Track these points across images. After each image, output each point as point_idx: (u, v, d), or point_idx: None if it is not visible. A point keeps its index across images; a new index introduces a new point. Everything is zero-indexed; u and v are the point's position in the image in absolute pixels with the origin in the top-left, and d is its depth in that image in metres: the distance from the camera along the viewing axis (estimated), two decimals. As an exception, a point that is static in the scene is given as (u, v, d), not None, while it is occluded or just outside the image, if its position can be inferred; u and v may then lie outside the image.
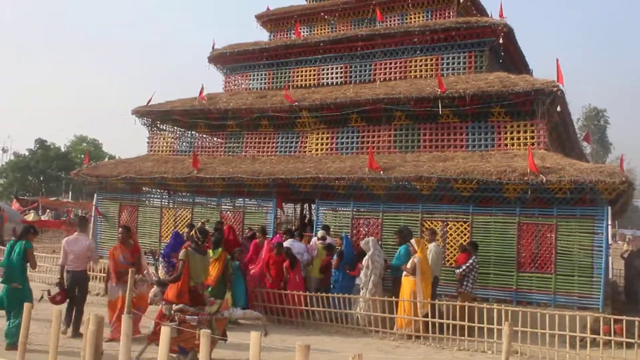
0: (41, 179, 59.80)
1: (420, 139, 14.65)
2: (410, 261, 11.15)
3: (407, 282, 11.23)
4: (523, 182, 11.82)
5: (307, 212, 21.96)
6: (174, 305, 8.17)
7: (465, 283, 11.68)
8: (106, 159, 57.96)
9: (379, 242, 12.96)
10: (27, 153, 60.24)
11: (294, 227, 18.07)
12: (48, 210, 35.93)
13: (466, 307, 10.58)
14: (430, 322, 10.63)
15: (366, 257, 11.92)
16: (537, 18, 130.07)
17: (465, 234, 12.84)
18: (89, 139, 70.16)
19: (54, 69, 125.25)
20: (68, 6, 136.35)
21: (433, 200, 13.36)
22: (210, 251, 10.81)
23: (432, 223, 13.26)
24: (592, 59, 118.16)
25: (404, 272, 11.32)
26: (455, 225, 13.04)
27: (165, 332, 2.95)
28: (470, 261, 11.66)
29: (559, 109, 13.31)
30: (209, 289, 10.37)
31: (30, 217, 32.19)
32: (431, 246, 11.81)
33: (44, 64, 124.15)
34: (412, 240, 11.44)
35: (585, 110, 68.56)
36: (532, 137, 13.46)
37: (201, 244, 8.79)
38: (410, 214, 13.50)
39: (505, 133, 13.80)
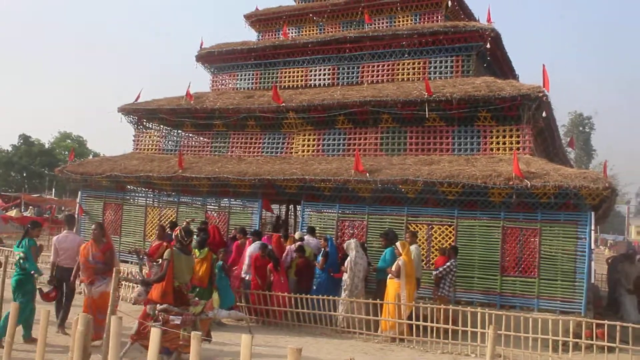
0: (24, 175, 59.27)
1: (407, 142, 14.71)
2: (395, 264, 11.19)
3: (392, 285, 11.27)
4: (508, 187, 11.90)
5: (282, 213, 21.95)
6: (158, 305, 8.12)
7: (442, 286, 11.83)
8: (90, 156, 57.68)
9: (364, 244, 13.00)
10: (10, 149, 59.66)
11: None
12: (31, 207, 35.54)
13: (442, 310, 10.62)
14: (414, 325, 10.67)
15: (348, 259, 11.96)
16: (527, 23, 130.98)
17: (450, 238, 12.89)
18: (73, 135, 69.72)
19: (40, 65, 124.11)
20: (56, 2, 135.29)
21: (418, 203, 13.39)
22: (196, 251, 10.77)
23: (417, 226, 13.31)
24: (580, 65, 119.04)
25: (389, 275, 11.34)
26: (440, 228, 13.09)
27: (155, 333, 2.94)
28: (448, 264, 11.80)
29: (544, 114, 13.41)
30: (197, 290, 10.35)
31: (13, 213, 31.85)
32: (412, 248, 11.86)
33: (30, 59, 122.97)
34: (397, 243, 11.48)
35: (571, 117, 69.25)
36: (518, 142, 13.55)
37: (186, 244, 8.77)
38: (395, 217, 13.54)
39: (491, 137, 13.88)
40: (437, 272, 11.84)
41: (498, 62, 17.04)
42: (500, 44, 16.12)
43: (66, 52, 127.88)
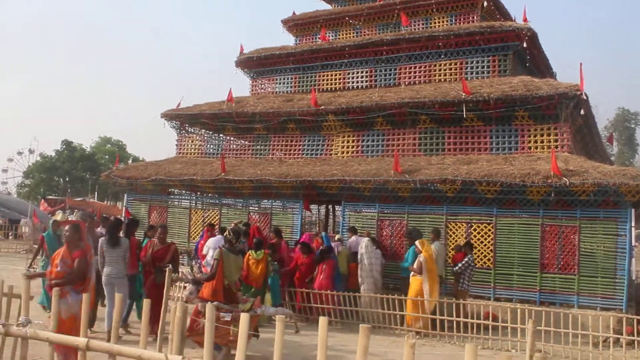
0: (67, 179, 60.82)
1: (445, 142, 14.92)
2: (417, 261, 11.54)
3: (414, 281, 11.65)
4: (546, 185, 12.03)
5: (322, 214, 22.29)
6: (208, 302, 8.53)
7: (461, 281, 12.15)
8: (130, 160, 58.98)
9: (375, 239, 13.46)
10: (53, 154, 61.32)
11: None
12: (75, 210, 36.62)
13: (463, 305, 10.85)
14: (445, 321, 10.94)
15: (358, 258, 12.51)
16: (567, 20, 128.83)
17: (489, 236, 13.08)
18: (113, 140, 71.27)
19: (81, 71, 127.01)
20: (97, 7, 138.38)
21: (457, 202, 13.62)
22: (252, 252, 11.25)
23: (456, 225, 13.52)
24: (624, 61, 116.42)
25: (411, 272, 11.71)
26: (479, 226, 13.28)
27: (244, 318, 3.33)
28: (466, 259, 12.11)
29: (582, 112, 13.49)
30: (253, 290, 10.79)
31: (59, 216, 32.87)
32: (434, 245, 12.22)
33: (72, 65, 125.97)
34: (417, 242, 11.81)
35: (618, 113, 68.33)
36: (556, 140, 13.65)
37: (235, 244, 9.19)
38: (434, 216, 13.77)
39: (529, 136, 14.01)
40: (457, 268, 12.21)
41: (535, 61, 17.10)
42: (537, 42, 16.18)
43: (104, 58, 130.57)
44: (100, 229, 11.31)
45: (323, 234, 13.53)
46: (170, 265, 9.00)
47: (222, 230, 13.17)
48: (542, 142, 13.85)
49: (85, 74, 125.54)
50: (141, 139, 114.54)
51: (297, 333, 9.95)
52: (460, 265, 12.14)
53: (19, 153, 68.47)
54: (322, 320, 2.97)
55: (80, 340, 3.94)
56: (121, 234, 10.30)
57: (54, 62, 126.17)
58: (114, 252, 9.81)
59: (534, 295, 12.50)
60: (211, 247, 12.26)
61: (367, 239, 12.93)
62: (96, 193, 52.94)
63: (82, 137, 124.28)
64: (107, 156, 65.57)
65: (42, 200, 43.33)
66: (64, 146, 61.42)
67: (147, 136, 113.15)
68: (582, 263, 12.30)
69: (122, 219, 15.11)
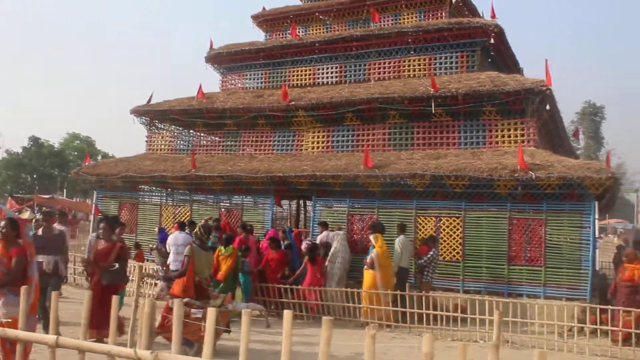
0: (35, 176, 59.89)
1: (414, 137, 15.07)
2: (369, 256, 11.76)
3: (367, 275, 11.93)
4: (513, 179, 12.27)
5: (294, 209, 22.34)
6: (180, 299, 8.54)
7: (425, 273, 12.41)
8: (99, 157, 58.30)
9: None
10: (20, 151, 60.29)
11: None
12: (43, 208, 36.07)
13: (425, 297, 11.04)
14: (415, 313, 11.11)
15: (330, 252, 12.72)
16: (534, 14, 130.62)
17: (458, 229, 13.27)
18: (81, 136, 70.31)
19: (48, 66, 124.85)
20: (65, 2, 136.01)
21: (427, 196, 13.76)
22: (222, 248, 11.26)
23: (425, 219, 13.69)
24: (595, 54, 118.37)
25: (365, 266, 11.95)
26: (448, 220, 13.46)
27: (211, 312, 3.37)
28: (431, 253, 12.36)
29: (548, 107, 13.76)
30: (221, 285, 10.80)
31: (26, 215, 32.36)
32: (400, 239, 12.44)
33: (38, 60, 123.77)
34: (371, 237, 11.99)
35: (584, 106, 69.50)
36: (522, 135, 13.89)
37: (205, 241, 9.21)
38: (404, 210, 13.91)
39: (496, 131, 14.23)
40: (422, 261, 12.44)
41: (502, 57, 17.36)
42: (504, 39, 16.42)
43: (71, 52, 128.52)
44: (57, 225, 11.40)
45: (287, 228, 13.59)
46: (117, 266, 8.81)
47: (183, 225, 13.23)
48: (509, 136, 14.08)
49: (51, 68, 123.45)
50: (111, 135, 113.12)
51: (268, 328, 10.02)
52: (425, 258, 12.36)
53: (-15, 150, 67.13)
54: (287, 314, 3.05)
55: (49, 338, 3.93)
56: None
57: (18, 56, 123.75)
58: None
59: (502, 287, 12.72)
60: (171, 244, 12.22)
61: (342, 233, 13.05)
62: (65, 190, 52.23)
63: (50, 134, 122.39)
64: (75, 152, 64.66)
65: (9, 198, 42.57)
66: (31, 143, 60.43)
67: (118, 132, 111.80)
68: (548, 255, 12.56)
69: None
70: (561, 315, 10.58)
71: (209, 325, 3.43)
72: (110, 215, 13.91)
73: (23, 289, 4.43)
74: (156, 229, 16.07)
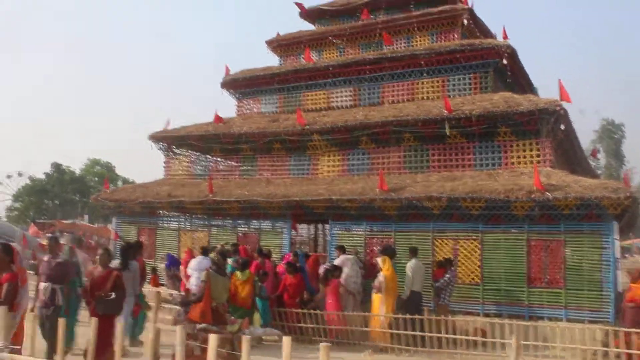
0: (57, 202, 60.68)
1: (429, 160, 15.08)
2: (377, 279, 11.73)
3: (376, 299, 11.91)
4: (530, 200, 12.19)
5: (312, 233, 22.33)
6: (197, 324, 8.60)
7: (442, 296, 12.32)
8: (120, 182, 58.93)
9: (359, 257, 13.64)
10: (43, 177, 61.20)
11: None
12: (65, 234, 36.47)
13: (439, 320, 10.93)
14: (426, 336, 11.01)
15: (342, 277, 12.66)
16: (550, 33, 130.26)
17: (475, 252, 13.19)
18: (102, 162, 71.22)
19: (69, 95, 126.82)
20: (85, 26, 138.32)
21: (444, 219, 13.73)
22: (238, 273, 11.29)
23: (443, 241, 13.63)
24: (612, 73, 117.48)
25: (373, 290, 11.89)
26: (465, 242, 13.39)
27: (212, 339, 3.41)
28: (448, 275, 12.30)
29: (562, 127, 13.70)
30: (241, 310, 10.80)
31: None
32: (411, 263, 12.36)
33: (59, 91, 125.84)
34: (378, 259, 11.97)
35: (603, 123, 68.84)
36: (538, 155, 13.84)
37: (222, 266, 9.25)
38: (421, 233, 13.87)
39: (512, 152, 14.20)
40: (438, 283, 12.36)
41: (516, 77, 17.33)
42: (517, 59, 16.43)
43: (92, 78, 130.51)
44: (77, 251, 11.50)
45: (298, 251, 13.62)
46: (113, 295, 8.35)
47: (206, 251, 13.34)
48: (524, 157, 14.03)
49: (73, 95, 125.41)
50: (131, 161, 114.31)
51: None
52: (442, 281, 12.29)
53: (8, 176, 68.08)
54: (286, 340, 3.09)
55: None
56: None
57: (41, 84, 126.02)
58: (124, 274, 9.92)
59: (523, 310, 12.57)
60: (194, 269, 12.33)
61: (352, 257, 13.05)
62: (86, 216, 52.79)
63: (72, 160, 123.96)
64: (96, 178, 65.52)
65: (32, 223, 43.13)
66: (54, 169, 61.37)
67: (137, 157, 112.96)
68: (568, 277, 12.41)
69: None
70: (583, 339, 10.40)
71: (211, 350, 3.48)
72: (130, 241, 14.16)
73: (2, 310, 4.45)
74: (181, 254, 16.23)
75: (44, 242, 32.12)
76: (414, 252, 12.82)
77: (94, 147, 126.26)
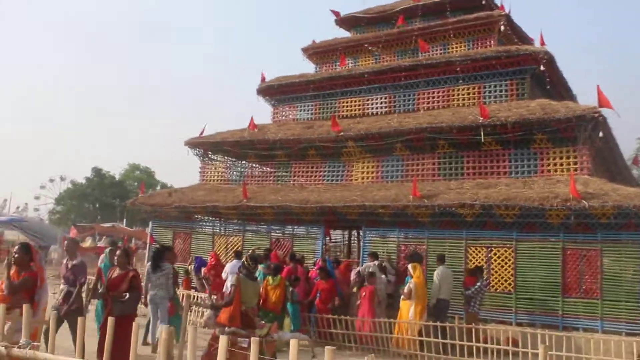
0: (97, 206, 61.97)
1: (464, 167, 14.97)
2: (407, 286, 11.60)
3: (404, 306, 11.81)
4: (565, 208, 11.99)
5: (345, 239, 22.34)
6: (226, 328, 8.69)
7: (472, 304, 12.13)
8: (158, 187, 59.88)
9: (383, 264, 13.59)
10: (83, 181, 62.61)
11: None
12: (104, 237, 37.21)
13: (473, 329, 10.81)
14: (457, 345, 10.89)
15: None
16: (592, 39, 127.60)
17: (509, 260, 13.02)
18: (141, 167, 72.45)
19: (113, 99, 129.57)
20: (120, 39, 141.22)
21: (477, 226, 13.60)
22: (270, 278, 11.40)
23: (476, 249, 13.50)
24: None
25: (402, 296, 11.82)
26: (499, 250, 13.23)
27: (223, 340, 3.47)
28: (479, 283, 12.12)
29: (601, 134, 13.45)
30: (271, 315, 10.89)
31: (87, 243, 33.47)
32: (438, 270, 12.37)
33: (104, 94, 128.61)
34: (409, 266, 11.86)
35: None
36: (575, 163, 13.61)
37: (252, 271, 9.34)
38: (454, 240, 13.77)
39: (548, 159, 14.00)
40: (469, 292, 12.18)
41: (554, 84, 17.09)
42: (555, 65, 16.19)
43: (132, 86, 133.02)
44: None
45: (326, 257, 13.63)
46: (128, 295, 8.33)
47: (239, 254, 13.53)
48: (561, 165, 13.82)
49: (114, 101, 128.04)
50: (170, 166, 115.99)
51: (314, 358, 10.02)
52: (473, 289, 12.13)
53: (51, 180, 69.87)
54: (293, 342, 3.14)
55: None
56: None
57: (86, 90, 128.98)
58: (156, 276, 10.63)
59: (557, 320, 12.35)
60: (229, 272, 12.54)
61: (373, 263, 13.05)
62: (125, 219, 53.74)
63: (112, 164, 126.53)
64: (135, 183, 66.62)
65: (72, 226, 44.16)
66: (94, 173, 62.72)
67: (176, 163, 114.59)
68: (605, 287, 12.13)
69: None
70: (620, 351, 10.17)
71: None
72: (162, 244, 14.44)
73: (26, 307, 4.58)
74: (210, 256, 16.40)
75: (85, 244, 32.96)
76: (441, 260, 12.75)
77: (136, 153, 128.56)
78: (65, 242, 10.37)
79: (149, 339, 11.09)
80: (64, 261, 9.28)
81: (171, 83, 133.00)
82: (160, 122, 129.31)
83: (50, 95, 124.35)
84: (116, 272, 8.67)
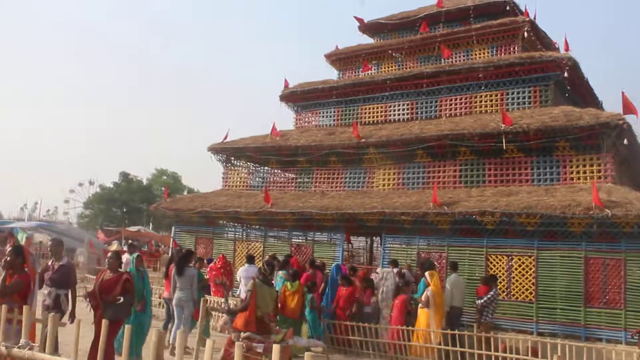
0: (124, 210, 62.73)
1: (486, 174, 14.84)
2: (424, 294, 11.49)
3: (422, 314, 11.63)
4: (588, 217, 11.80)
5: (367, 245, 22.26)
6: (241, 333, 8.72)
7: (485, 314, 11.91)
8: (185, 192, 60.38)
9: (403, 271, 13.35)
10: (111, 185, 63.49)
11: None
12: (130, 241, 37.66)
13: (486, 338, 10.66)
14: (465, 352, 10.78)
15: (381, 289, 12.49)
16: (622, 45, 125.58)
17: (530, 269, 12.85)
18: (168, 172, 73.17)
19: (137, 106, 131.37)
20: (147, 44, 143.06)
21: (498, 234, 13.45)
22: (288, 284, 11.43)
23: (497, 257, 13.36)
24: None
25: (420, 304, 11.66)
26: (520, 259, 13.07)
27: (276, 349, 3.52)
28: (492, 293, 11.89)
29: (626, 141, 13.23)
30: (289, 321, 10.90)
31: (114, 247, 33.84)
32: (450, 277, 12.23)
33: (125, 103, 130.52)
34: (427, 273, 11.72)
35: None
36: (599, 171, 13.41)
37: (269, 276, 9.37)
38: (475, 248, 13.64)
39: (571, 167, 13.81)
40: (482, 301, 11.94)
41: (578, 90, 16.88)
42: (579, 71, 15.97)
43: (159, 92, 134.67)
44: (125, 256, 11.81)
45: (336, 264, 13.57)
46: (122, 299, 8.00)
47: (252, 259, 13.65)
48: (584, 172, 13.62)
49: (142, 106, 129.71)
50: (196, 171, 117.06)
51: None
52: (485, 298, 11.90)
53: (80, 184, 71.11)
54: (275, 348, 3.15)
55: None
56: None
57: (113, 95, 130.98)
58: (182, 279, 10.92)
59: (579, 330, 12.15)
60: (242, 277, 12.63)
61: (391, 270, 12.96)
62: (151, 224, 54.34)
63: (139, 169, 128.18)
64: (162, 188, 67.25)
65: (100, 230, 44.78)
66: (122, 178, 63.53)
67: (202, 168, 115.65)
68: (629, 297, 11.91)
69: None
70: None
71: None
72: (187, 249, 14.54)
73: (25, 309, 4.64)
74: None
75: (112, 247, 33.35)
76: (454, 267, 12.65)
77: (163, 158, 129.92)
78: (50, 242, 10.06)
79: (170, 340, 11.22)
80: (49, 262, 8.96)
81: (198, 89, 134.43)
82: (189, 126, 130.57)
83: (82, 103, 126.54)
84: (107, 275, 8.29)
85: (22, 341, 4.55)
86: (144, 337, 9.96)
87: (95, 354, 4.38)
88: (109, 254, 8.68)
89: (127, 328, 4.36)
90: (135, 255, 10.91)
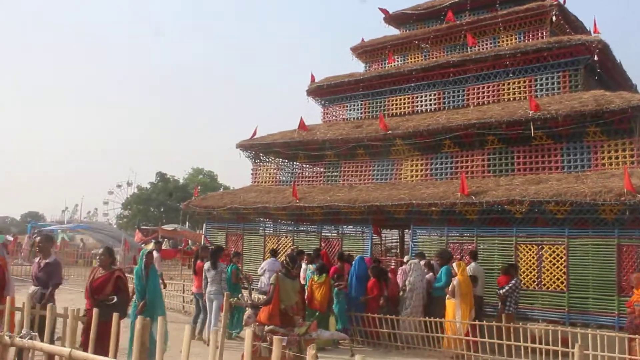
0: (161, 210, 63.56)
1: (514, 162, 14.58)
2: (451, 284, 11.31)
3: (449, 305, 11.45)
4: (620, 203, 11.47)
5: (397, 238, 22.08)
6: (265, 326, 8.75)
7: (508, 304, 11.70)
8: (221, 189, 60.98)
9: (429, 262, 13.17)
10: (148, 186, 64.41)
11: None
12: (166, 240, 38.18)
13: (511, 329, 10.44)
14: (491, 343, 10.57)
15: (407, 280, 12.28)
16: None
17: (561, 257, 12.57)
18: (205, 171, 73.85)
19: (172, 107, 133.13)
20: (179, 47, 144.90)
21: (527, 223, 13.19)
22: (315, 276, 11.45)
23: (527, 247, 13.11)
24: None
25: (447, 295, 11.47)
26: (550, 248, 12.80)
27: (277, 340, 3.52)
28: (513, 282, 11.70)
29: (659, 125, 12.85)
30: (317, 314, 10.92)
31: (150, 246, 34.36)
32: (470, 267, 12.03)
33: (162, 103, 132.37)
34: (454, 263, 11.57)
35: None
36: (632, 156, 13.04)
37: (291, 270, 9.36)
38: (504, 238, 13.41)
39: (602, 152, 13.47)
40: (504, 291, 11.73)
41: (610, 74, 16.45)
42: (610, 54, 15.57)
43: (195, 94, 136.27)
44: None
45: (358, 257, 13.44)
46: (116, 298, 7.58)
47: (275, 252, 13.78)
48: (616, 158, 13.26)
49: (178, 108, 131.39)
50: (231, 169, 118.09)
51: (352, 357, 9.99)
52: (506, 288, 11.68)
53: (118, 186, 72.14)
54: (276, 340, 3.11)
55: (64, 350, 4.28)
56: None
57: (149, 97, 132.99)
58: (212, 274, 11.54)
59: (613, 320, 11.84)
60: (266, 269, 12.76)
61: (415, 260, 12.79)
62: (187, 223, 54.97)
63: (176, 169, 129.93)
64: (199, 187, 67.92)
65: (137, 230, 45.49)
66: (159, 178, 64.39)
67: (236, 166, 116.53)
68: (665, 285, 11.55)
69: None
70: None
71: (275, 351, 3.55)
72: (218, 245, 14.78)
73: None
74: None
75: (148, 247, 33.85)
76: (473, 256, 12.47)
77: (200, 158, 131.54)
78: (37, 238, 9.78)
79: (204, 334, 11.45)
80: (36, 260, 8.67)
81: (233, 88, 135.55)
82: (224, 125, 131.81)
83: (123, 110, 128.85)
84: (99, 273, 7.85)
85: (24, 331, 4.64)
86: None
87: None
88: (100, 251, 8.19)
89: (160, 320, 4.20)
90: (144, 251, 9.71)
